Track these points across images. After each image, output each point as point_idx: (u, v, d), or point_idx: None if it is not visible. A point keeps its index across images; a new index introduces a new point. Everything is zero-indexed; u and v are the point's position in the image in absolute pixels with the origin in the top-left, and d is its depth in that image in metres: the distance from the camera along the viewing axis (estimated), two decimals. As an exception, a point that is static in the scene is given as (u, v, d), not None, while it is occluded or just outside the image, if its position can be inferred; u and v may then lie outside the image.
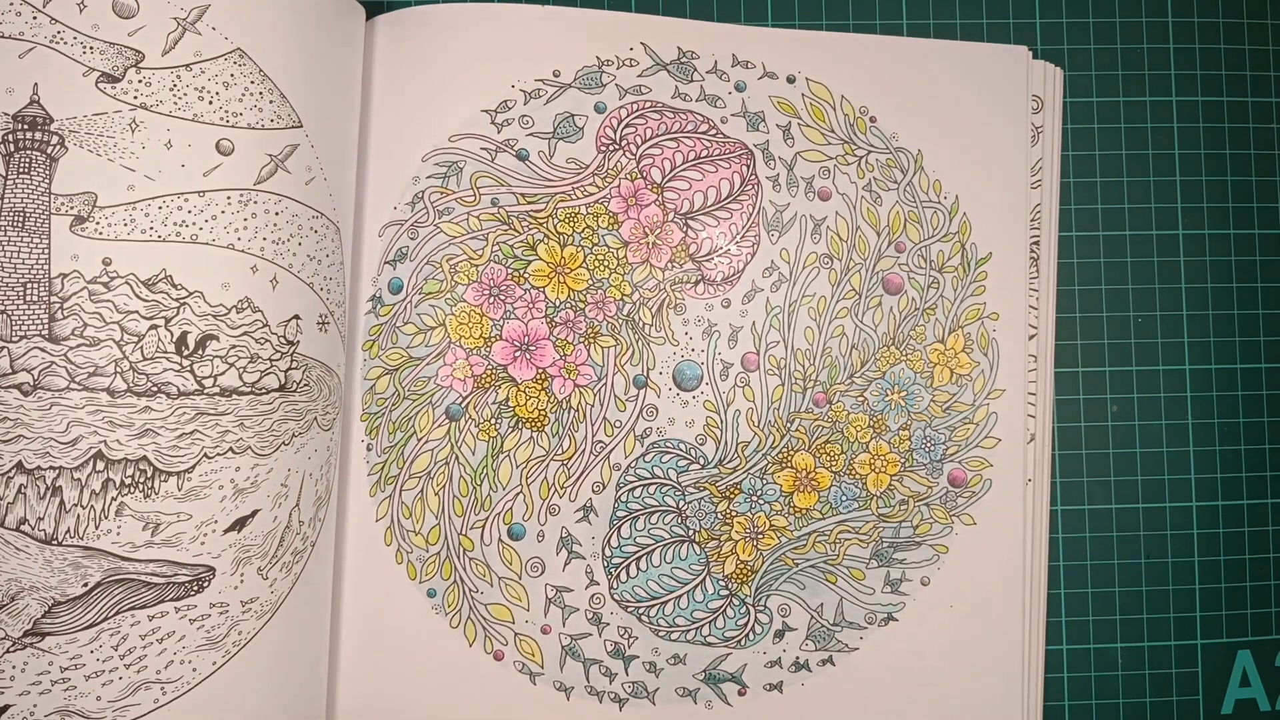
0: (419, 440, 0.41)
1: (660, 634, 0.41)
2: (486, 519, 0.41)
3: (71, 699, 0.33)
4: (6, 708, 0.33)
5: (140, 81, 0.34)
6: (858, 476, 0.42)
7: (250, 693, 0.37)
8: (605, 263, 0.42)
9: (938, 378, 0.42)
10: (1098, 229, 0.44)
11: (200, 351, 0.35)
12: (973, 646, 0.41)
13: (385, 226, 0.42)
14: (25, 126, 0.32)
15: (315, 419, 0.38)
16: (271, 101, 0.37)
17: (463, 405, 0.41)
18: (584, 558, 0.41)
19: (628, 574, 0.41)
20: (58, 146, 0.33)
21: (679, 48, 0.43)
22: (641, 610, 0.41)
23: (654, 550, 0.41)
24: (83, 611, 0.33)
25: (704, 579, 0.41)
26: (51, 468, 0.32)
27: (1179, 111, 0.44)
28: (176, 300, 0.34)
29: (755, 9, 0.44)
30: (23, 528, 0.32)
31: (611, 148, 0.42)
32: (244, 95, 0.36)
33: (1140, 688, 0.43)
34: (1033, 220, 0.43)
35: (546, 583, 0.41)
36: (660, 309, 0.42)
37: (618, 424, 0.41)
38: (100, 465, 0.33)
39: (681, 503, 0.42)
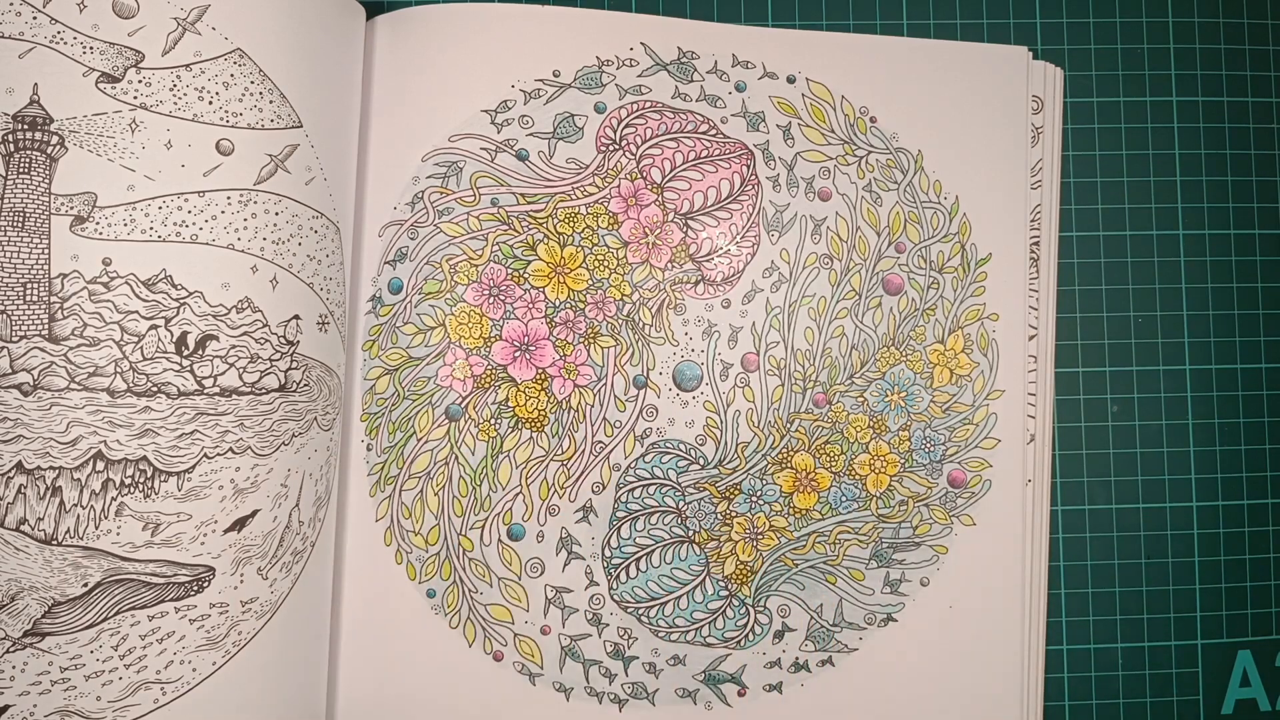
0: (419, 440, 0.41)
1: (660, 635, 0.41)
2: (486, 519, 0.41)
3: (71, 699, 0.33)
4: (6, 708, 0.33)
5: (140, 81, 0.34)
6: (857, 477, 0.42)
7: (250, 693, 0.37)
8: (605, 263, 0.42)
9: (937, 378, 0.42)
10: (1098, 229, 0.44)
11: (200, 351, 0.35)
12: (973, 646, 0.41)
13: (385, 226, 0.42)
14: (25, 126, 0.32)
15: (315, 419, 0.38)
16: (271, 101, 0.37)
17: (462, 405, 0.41)
18: (584, 558, 0.41)
19: (627, 574, 0.41)
20: (58, 146, 0.33)
21: (679, 48, 0.43)
22: (641, 611, 0.41)
23: (654, 551, 0.41)
24: (83, 611, 0.33)
25: (704, 579, 0.41)
26: (51, 468, 0.32)
27: (1179, 111, 0.44)
28: (176, 300, 0.34)
29: (755, 9, 0.44)
30: (23, 528, 0.32)
31: (611, 148, 0.42)
32: (244, 95, 0.36)
33: (1140, 688, 0.43)
34: (1033, 220, 0.43)
35: (546, 583, 0.41)
36: (660, 309, 0.42)
37: (617, 424, 0.41)
38: (100, 465, 0.33)
39: (681, 503, 0.42)
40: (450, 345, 0.41)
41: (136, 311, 0.34)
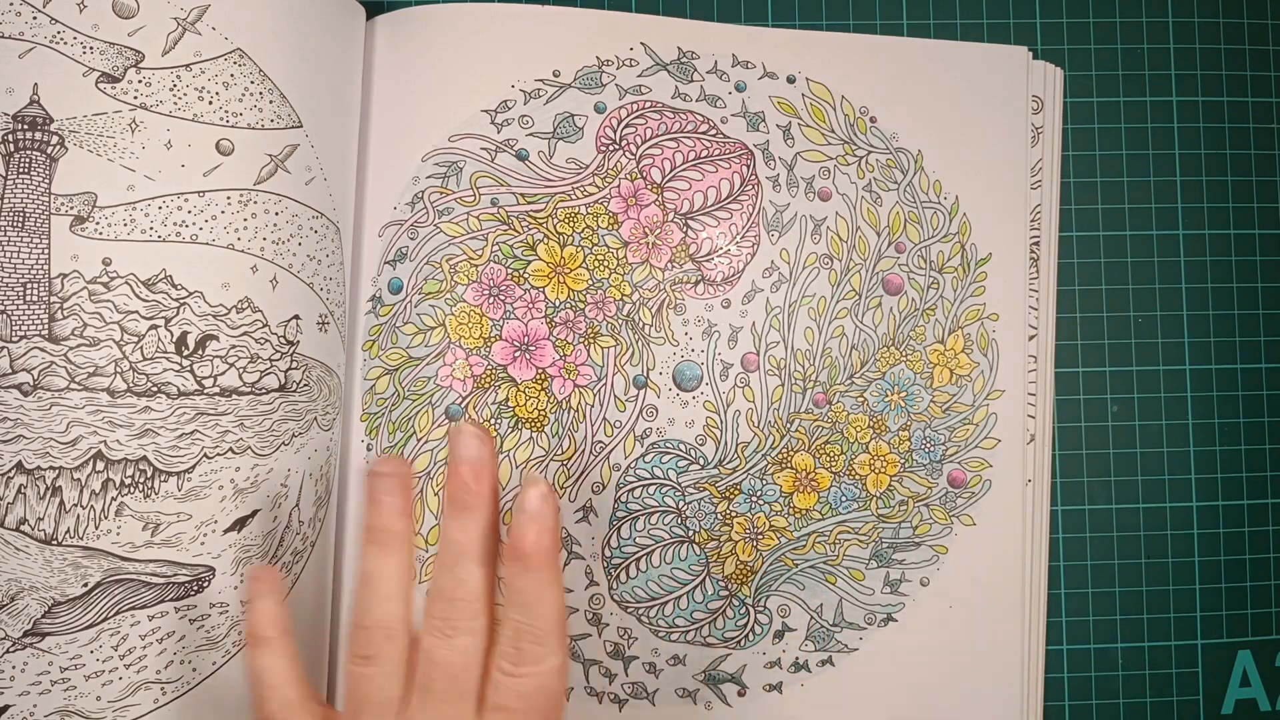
0: (419, 440, 0.41)
1: (660, 635, 0.41)
2: (486, 519, 0.41)
3: (71, 699, 0.33)
4: (6, 708, 0.33)
5: (140, 81, 0.34)
6: (857, 477, 0.42)
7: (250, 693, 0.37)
8: (605, 263, 0.42)
9: (937, 378, 0.42)
10: (1098, 229, 0.44)
11: (200, 351, 0.35)
12: (973, 646, 0.41)
13: (385, 226, 0.42)
14: (25, 126, 0.32)
15: (315, 419, 0.38)
16: (271, 101, 0.37)
17: (462, 405, 0.41)
18: (584, 558, 0.41)
19: (627, 575, 0.41)
20: (58, 146, 0.33)
21: (679, 48, 0.43)
22: (641, 611, 0.41)
23: (654, 551, 0.41)
24: (83, 611, 0.33)
25: (703, 579, 0.41)
26: (51, 468, 0.32)
27: (1179, 111, 0.44)
28: (176, 300, 0.34)
29: (755, 9, 0.44)
30: (23, 528, 0.32)
31: (611, 148, 0.42)
32: (244, 95, 0.36)
33: (1140, 688, 0.43)
34: (1033, 220, 0.43)
35: (546, 583, 0.41)
36: (660, 309, 0.42)
37: (617, 424, 0.41)
38: (100, 465, 0.33)
39: (681, 503, 0.42)
40: (450, 345, 0.41)
41: (136, 311, 0.34)
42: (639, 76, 0.42)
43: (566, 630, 0.32)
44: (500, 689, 0.31)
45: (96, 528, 0.33)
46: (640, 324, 0.42)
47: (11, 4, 0.33)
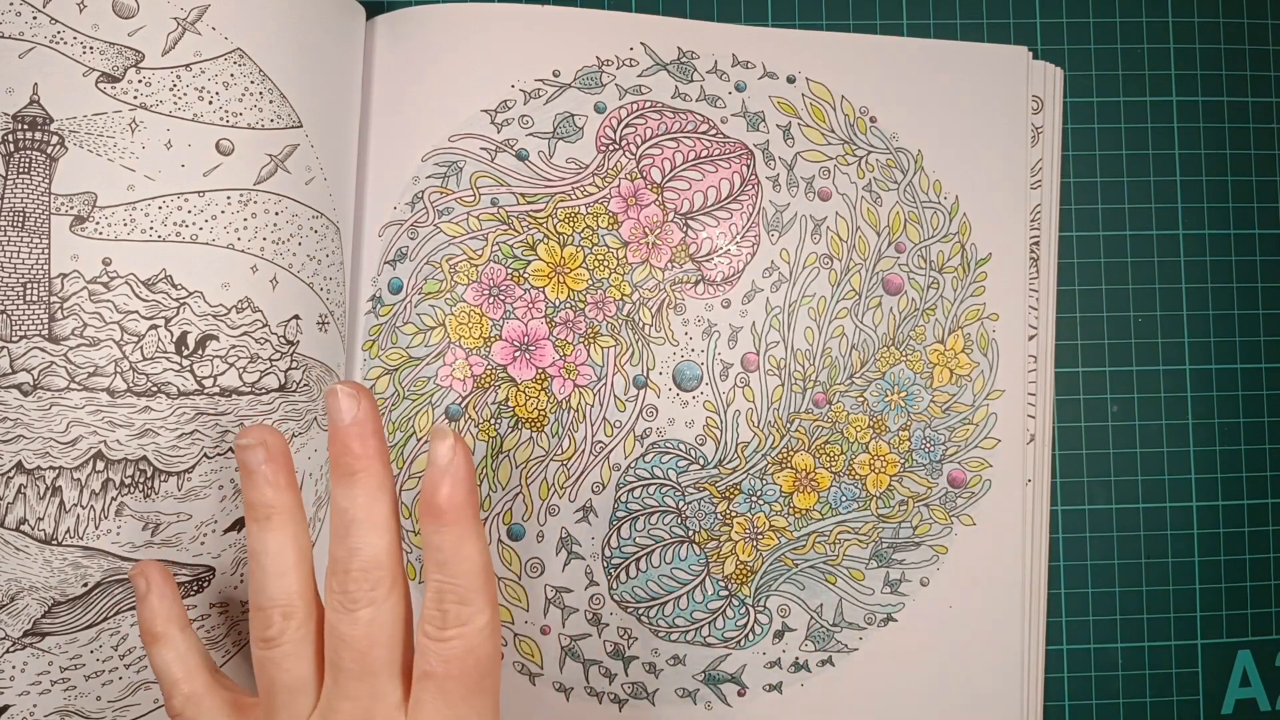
0: (419, 440, 0.41)
1: (660, 634, 0.41)
2: (486, 519, 0.41)
3: (71, 699, 0.33)
4: (6, 708, 0.33)
5: (140, 81, 0.34)
6: (857, 477, 0.42)
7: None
8: (605, 263, 0.42)
9: (937, 378, 0.42)
10: (1098, 229, 0.44)
11: (200, 351, 0.35)
12: (973, 646, 0.41)
13: (385, 226, 0.42)
14: (25, 126, 0.32)
15: (315, 419, 0.38)
16: (271, 101, 0.37)
17: (462, 405, 0.41)
18: (583, 558, 0.41)
19: (627, 574, 0.41)
20: (58, 146, 0.33)
21: (679, 48, 0.43)
22: (641, 611, 0.41)
23: (653, 551, 0.41)
24: (83, 611, 0.33)
25: (703, 579, 0.41)
26: (51, 468, 0.32)
27: (1179, 111, 0.44)
28: (176, 300, 0.34)
29: (755, 9, 0.44)
30: (23, 528, 0.32)
31: (611, 148, 0.42)
32: (244, 95, 0.36)
33: (1140, 688, 0.43)
34: (1033, 220, 0.43)
35: (546, 583, 0.41)
36: (660, 309, 0.42)
37: (617, 424, 0.41)
38: (100, 465, 0.33)
39: (681, 503, 0.42)
40: (450, 345, 0.41)
41: (136, 311, 0.34)
42: (639, 76, 0.42)
43: (494, 587, 0.30)
44: (426, 654, 0.29)
45: (96, 528, 0.33)
46: (640, 324, 0.42)
47: (11, 4, 0.33)
